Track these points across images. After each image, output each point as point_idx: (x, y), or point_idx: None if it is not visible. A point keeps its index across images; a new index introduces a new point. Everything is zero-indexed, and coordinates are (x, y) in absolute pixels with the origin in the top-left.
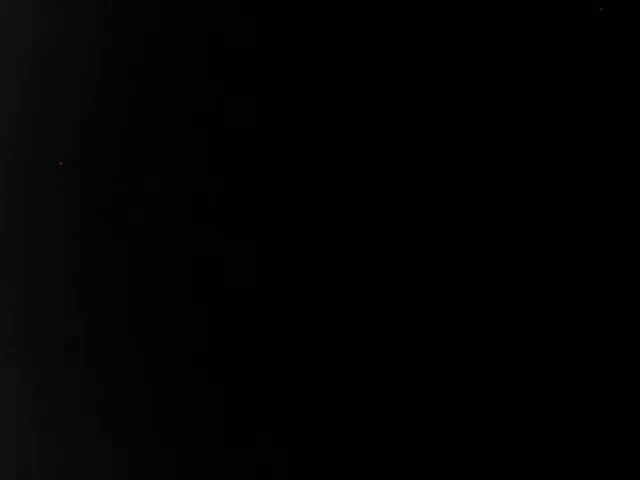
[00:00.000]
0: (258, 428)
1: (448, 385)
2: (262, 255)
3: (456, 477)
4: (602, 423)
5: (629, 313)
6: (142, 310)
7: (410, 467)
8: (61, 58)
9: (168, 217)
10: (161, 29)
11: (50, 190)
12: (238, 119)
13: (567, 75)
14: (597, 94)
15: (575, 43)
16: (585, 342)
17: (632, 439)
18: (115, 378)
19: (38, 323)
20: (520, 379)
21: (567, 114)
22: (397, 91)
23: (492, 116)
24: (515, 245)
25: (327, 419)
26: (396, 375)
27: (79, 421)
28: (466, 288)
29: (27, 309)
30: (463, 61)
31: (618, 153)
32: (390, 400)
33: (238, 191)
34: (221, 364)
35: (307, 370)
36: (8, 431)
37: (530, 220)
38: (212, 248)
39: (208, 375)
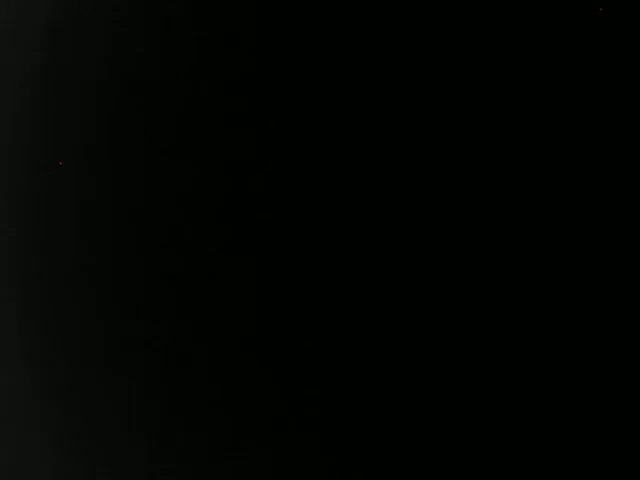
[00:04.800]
0: (258, 429)
1: (450, 385)
2: (263, 255)
3: (457, 477)
4: (602, 423)
5: (629, 313)
6: (142, 310)
7: (414, 467)
8: (62, 57)
9: (169, 217)
10: (164, 29)
11: (50, 190)
12: (239, 119)
13: (567, 75)
14: (597, 94)
15: (575, 43)
16: (585, 342)
17: (632, 439)
18: (115, 378)
19: (39, 322)
20: (520, 379)
21: (567, 114)
22: (397, 91)
23: (492, 116)
24: (515, 245)
25: (328, 416)
26: (397, 377)
27: (79, 421)
28: (466, 288)
29: (27, 309)
30: (463, 61)
31: (618, 153)
32: (391, 401)
33: (239, 192)
34: (221, 362)
35: (307, 369)
36: (8, 431)
37: (530, 220)
38: (213, 249)
39: (208, 376)
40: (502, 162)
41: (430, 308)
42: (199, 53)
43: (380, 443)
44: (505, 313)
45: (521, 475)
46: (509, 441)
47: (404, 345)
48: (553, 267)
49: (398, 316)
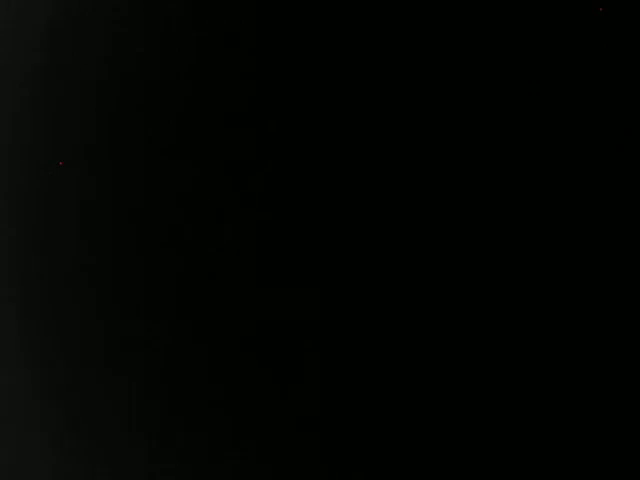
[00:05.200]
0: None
1: (450, 385)
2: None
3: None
4: (602, 423)
5: (629, 313)
6: (142, 310)
7: (413, 467)
8: (62, 60)
9: (169, 217)
10: (164, 29)
11: (50, 190)
12: (239, 119)
13: (567, 75)
14: (597, 94)
15: (574, 43)
16: (585, 342)
17: (632, 439)
18: (115, 378)
19: (39, 322)
20: (520, 379)
21: (567, 114)
22: (397, 91)
23: (492, 116)
24: (515, 245)
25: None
26: (397, 377)
27: (79, 421)
28: (466, 288)
29: (27, 309)
30: (463, 61)
31: (618, 153)
32: (391, 400)
33: (239, 192)
34: (221, 362)
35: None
36: (8, 431)
37: (530, 220)
38: (213, 249)
39: (208, 376)
40: (502, 162)
41: (430, 308)
42: (199, 53)
43: (380, 443)
44: (505, 313)
45: (521, 475)
46: (509, 441)
47: (404, 345)
48: (553, 267)
49: (398, 316)
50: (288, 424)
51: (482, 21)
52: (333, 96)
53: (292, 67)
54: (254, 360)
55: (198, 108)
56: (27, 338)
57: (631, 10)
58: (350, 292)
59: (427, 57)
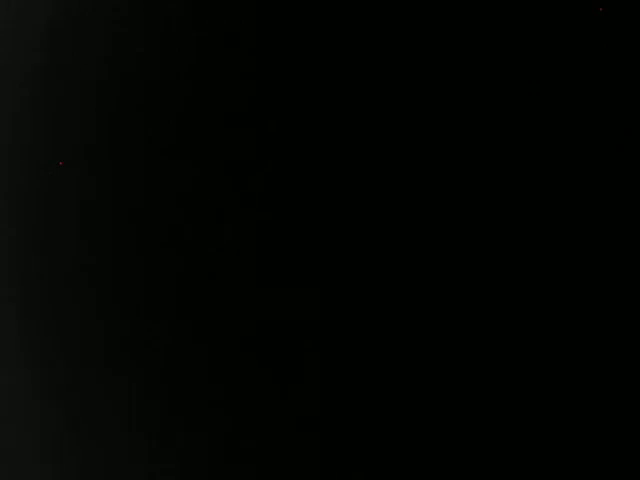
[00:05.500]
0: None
1: (450, 385)
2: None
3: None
4: (602, 423)
5: (629, 313)
6: (142, 310)
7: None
8: (62, 60)
9: (169, 217)
10: (164, 29)
11: (50, 190)
12: (239, 119)
13: (567, 75)
14: (597, 94)
15: (574, 43)
16: (585, 342)
17: (632, 439)
18: (115, 378)
19: (39, 322)
20: (520, 379)
21: (567, 114)
22: (397, 91)
23: (492, 116)
24: (515, 245)
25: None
26: (397, 378)
27: (79, 421)
28: (466, 288)
29: (27, 309)
30: (462, 61)
31: (618, 153)
32: (391, 400)
33: (239, 192)
34: (221, 362)
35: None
36: (8, 431)
37: (530, 220)
38: (213, 249)
39: (208, 376)
40: (502, 162)
41: (430, 308)
42: (199, 53)
43: (380, 443)
44: (505, 313)
45: (521, 475)
46: (509, 441)
47: (404, 345)
48: (553, 267)
49: (398, 316)
50: (288, 424)
51: (482, 21)
52: (333, 96)
53: (292, 67)
54: (254, 360)
55: (198, 108)
56: (27, 338)
57: (631, 10)
58: (350, 292)
59: (427, 57)
